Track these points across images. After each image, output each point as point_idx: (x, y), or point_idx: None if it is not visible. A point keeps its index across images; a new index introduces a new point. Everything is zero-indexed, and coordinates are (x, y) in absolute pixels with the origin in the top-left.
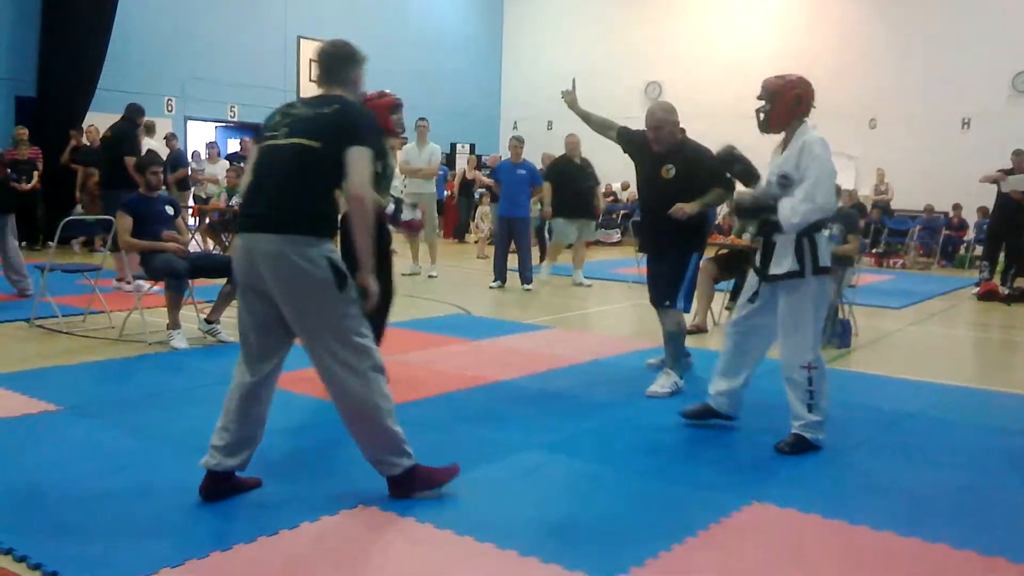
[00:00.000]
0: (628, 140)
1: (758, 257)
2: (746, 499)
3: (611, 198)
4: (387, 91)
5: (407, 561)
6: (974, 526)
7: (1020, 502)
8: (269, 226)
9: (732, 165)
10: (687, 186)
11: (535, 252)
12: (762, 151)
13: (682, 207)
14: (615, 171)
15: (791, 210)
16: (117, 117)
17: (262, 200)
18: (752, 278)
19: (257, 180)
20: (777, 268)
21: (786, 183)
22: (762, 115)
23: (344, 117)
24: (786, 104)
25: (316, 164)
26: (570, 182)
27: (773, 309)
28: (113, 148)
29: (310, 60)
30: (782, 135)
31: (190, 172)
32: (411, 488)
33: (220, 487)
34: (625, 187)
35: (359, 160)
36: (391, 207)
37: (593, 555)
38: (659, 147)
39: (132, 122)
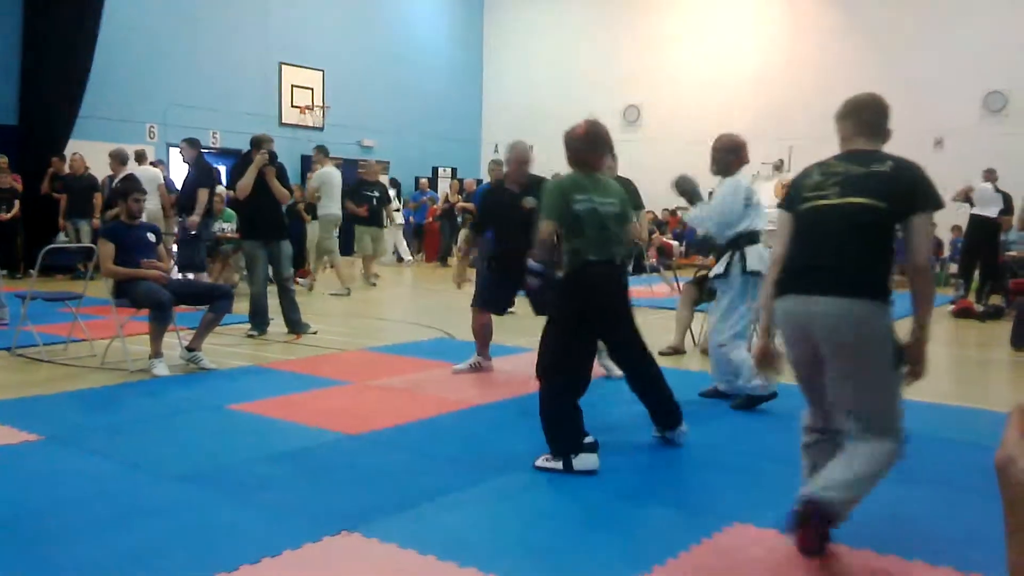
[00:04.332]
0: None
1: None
2: (727, 520)
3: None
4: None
5: None
6: (950, 542)
7: (995, 518)
8: (830, 289)
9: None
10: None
11: None
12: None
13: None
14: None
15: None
16: (99, 144)
17: (819, 263)
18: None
19: (812, 242)
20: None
21: None
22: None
23: (906, 178)
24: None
25: (878, 225)
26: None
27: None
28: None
29: (310, 90)
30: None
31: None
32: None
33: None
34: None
35: (923, 228)
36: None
37: None
38: (516, 185)
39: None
